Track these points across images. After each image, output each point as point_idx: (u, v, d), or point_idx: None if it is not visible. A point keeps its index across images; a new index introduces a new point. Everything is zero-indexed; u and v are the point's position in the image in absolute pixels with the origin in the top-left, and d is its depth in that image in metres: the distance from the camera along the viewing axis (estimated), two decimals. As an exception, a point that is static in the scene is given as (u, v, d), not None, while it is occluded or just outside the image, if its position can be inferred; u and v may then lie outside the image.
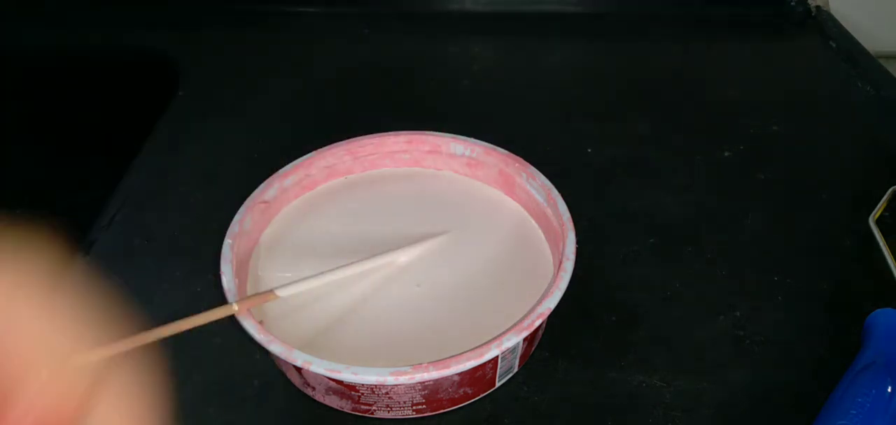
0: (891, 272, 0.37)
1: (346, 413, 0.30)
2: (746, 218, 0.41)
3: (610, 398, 0.31)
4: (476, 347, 0.28)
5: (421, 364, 0.27)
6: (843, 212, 0.42)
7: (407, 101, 0.53)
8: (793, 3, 0.64)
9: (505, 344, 0.28)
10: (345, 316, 0.32)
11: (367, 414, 0.30)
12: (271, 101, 0.53)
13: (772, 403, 0.31)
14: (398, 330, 0.31)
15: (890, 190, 0.42)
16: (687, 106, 0.53)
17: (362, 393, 0.29)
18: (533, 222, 0.37)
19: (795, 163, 0.46)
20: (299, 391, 0.31)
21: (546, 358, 0.33)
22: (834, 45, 0.60)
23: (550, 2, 0.65)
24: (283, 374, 0.32)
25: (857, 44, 0.58)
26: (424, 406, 0.29)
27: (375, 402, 0.29)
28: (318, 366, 0.27)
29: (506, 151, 0.38)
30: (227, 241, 0.32)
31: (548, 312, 0.29)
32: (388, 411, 0.30)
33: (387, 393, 0.28)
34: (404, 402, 0.29)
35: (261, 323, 0.29)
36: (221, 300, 0.30)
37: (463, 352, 0.27)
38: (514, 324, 0.29)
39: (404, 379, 0.27)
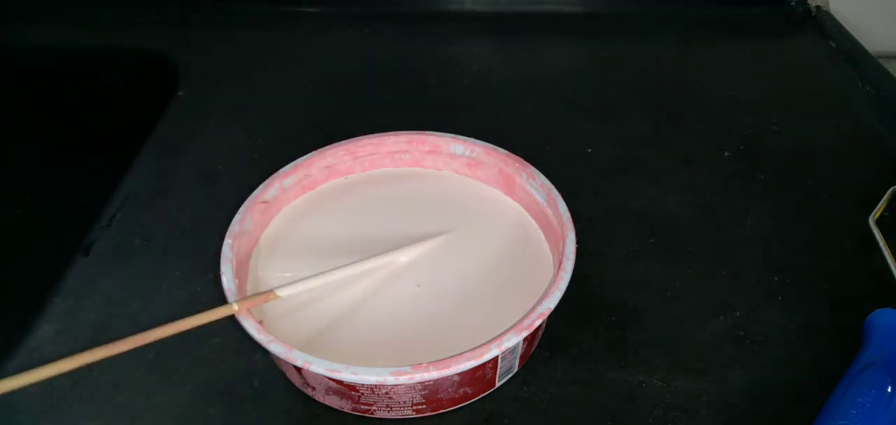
0: (891, 272, 0.37)
1: (346, 413, 0.30)
2: (746, 218, 0.41)
3: (610, 398, 0.31)
4: (476, 347, 0.28)
5: (421, 364, 0.27)
6: (843, 212, 0.42)
7: (407, 101, 0.53)
8: (793, 3, 0.64)
9: (505, 344, 0.28)
10: (345, 316, 0.32)
11: (367, 414, 0.30)
12: (271, 101, 0.53)
13: (772, 403, 0.31)
14: (398, 330, 0.31)
15: (890, 190, 0.42)
16: (687, 106, 0.53)
17: (362, 393, 0.29)
18: (533, 222, 0.37)
19: (795, 163, 0.46)
20: (299, 391, 0.31)
21: (546, 358, 0.33)
22: (834, 45, 0.60)
23: (550, 2, 0.65)
24: (283, 374, 0.32)
25: (857, 44, 0.58)
26: (424, 406, 0.29)
27: (375, 402, 0.29)
28: (318, 366, 0.27)
29: (506, 151, 0.38)
30: (227, 241, 0.32)
31: (548, 312, 0.29)
32: (388, 411, 0.30)
33: (387, 393, 0.28)
34: (404, 402, 0.29)
35: (261, 323, 0.29)
36: (221, 300, 0.30)
37: (463, 352, 0.27)
38: (514, 324, 0.29)
39: (404, 379, 0.27)
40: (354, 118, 0.50)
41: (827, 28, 0.62)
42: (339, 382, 0.28)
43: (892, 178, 0.43)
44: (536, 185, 0.36)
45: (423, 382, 0.28)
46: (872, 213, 0.40)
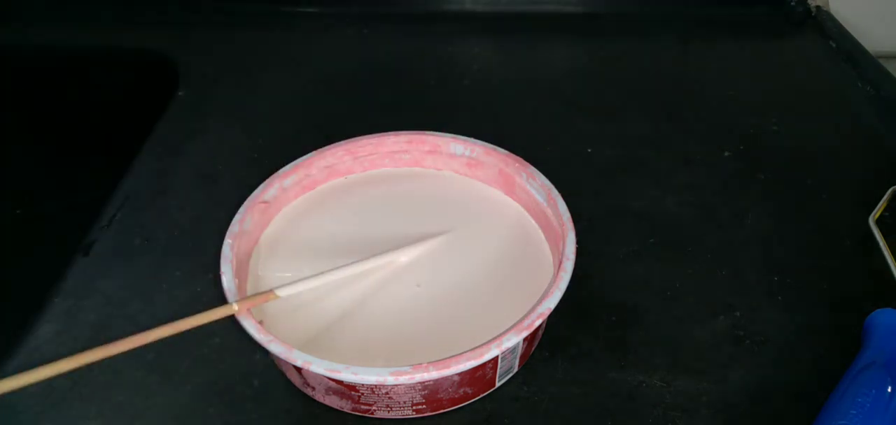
0: (891, 272, 0.37)
1: (346, 413, 0.30)
2: (746, 218, 0.41)
3: (610, 398, 0.31)
4: (476, 347, 0.28)
5: (421, 364, 0.27)
6: (843, 212, 0.42)
7: (407, 101, 0.53)
8: (793, 3, 0.64)
9: (505, 344, 0.28)
10: (345, 316, 0.32)
11: (367, 414, 0.30)
12: (271, 100, 0.53)
13: (772, 403, 0.31)
14: (398, 331, 0.31)
15: (890, 190, 0.42)
16: (687, 106, 0.53)
17: (362, 393, 0.29)
18: (533, 222, 0.37)
19: (795, 163, 0.46)
20: (299, 391, 0.31)
21: (546, 358, 0.33)
22: (834, 45, 0.60)
23: (550, 2, 0.65)
24: (283, 374, 0.32)
25: (857, 44, 0.58)
26: (424, 406, 0.29)
27: (375, 402, 0.29)
28: (318, 366, 0.27)
29: (506, 151, 0.38)
30: (227, 241, 0.32)
31: (548, 312, 0.29)
32: (388, 411, 0.30)
33: (387, 393, 0.28)
34: (404, 402, 0.29)
35: (261, 323, 0.29)
36: (221, 300, 0.30)
37: (463, 352, 0.27)
38: (514, 324, 0.29)
39: (404, 379, 0.27)
40: (354, 118, 0.50)
41: (827, 28, 0.62)
42: (339, 382, 0.28)
43: (892, 178, 0.43)
44: (536, 185, 0.36)
45: (423, 382, 0.28)
46: (872, 213, 0.40)
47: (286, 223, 0.37)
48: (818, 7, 0.64)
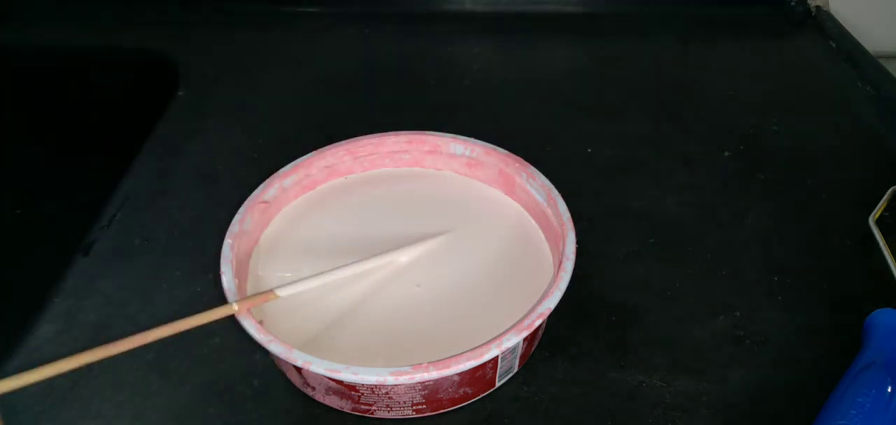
0: (891, 272, 0.37)
1: (346, 413, 0.30)
2: (746, 218, 0.41)
3: (610, 398, 0.31)
4: (476, 347, 0.28)
5: (421, 364, 0.27)
6: (843, 212, 0.42)
7: (407, 101, 0.53)
8: (793, 3, 0.64)
9: (505, 344, 0.28)
10: (345, 316, 0.32)
11: (367, 414, 0.30)
12: (271, 101, 0.53)
13: (772, 403, 0.31)
14: (398, 330, 0.31)
15: (890, 190, 0.42)
16: (687, 106, 0.53)
17: (362, 393, 0.29)
18: (533, 222, 0.37)
19: (795, 163, 0.46)
20: (299, 391, 0.31)
21: (546, 358, 0.33)
22: (834, 45, 0.60)
23: (550, 2, 0.65)
24: (283, 374, 0.32)
25: (857, 44, 0.58)
26: (424, 406, 0.29)
27: (375, 402, 0.29)
28: (318, 366, 0.27)
29: (506, 151, 0.38)
30: (227, 241, 0.32)
31: (548, 312, 0.29)
32: (388, 411, 0.30)
33: (387, 393, 0.28)
34: (404, 402, 0.29)
35: (261, 323, 0.29)
36: (221, 300, 0.30)
37: (463, 352, 0.27)
38: (514, 324, 0.29)
39: (404, 379, 0.27)
40: (354, 118, 0.50)
41: (827, 28, 0.62)
42: (339, 382, 0.28)
43: (892, 178, 0.43)
44: (536, 185, 0.36)
45: (423, 382, 0.28)
46: (872, 213, 0.40)
47: (286, 223, 0.37)
48: (818, 7, 0.64)
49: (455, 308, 0.32)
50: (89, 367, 0.31)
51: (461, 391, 0.30)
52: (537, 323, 0.29)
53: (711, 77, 0.57)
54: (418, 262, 0.34)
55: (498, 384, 0.31)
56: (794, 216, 0.42)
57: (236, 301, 0.29)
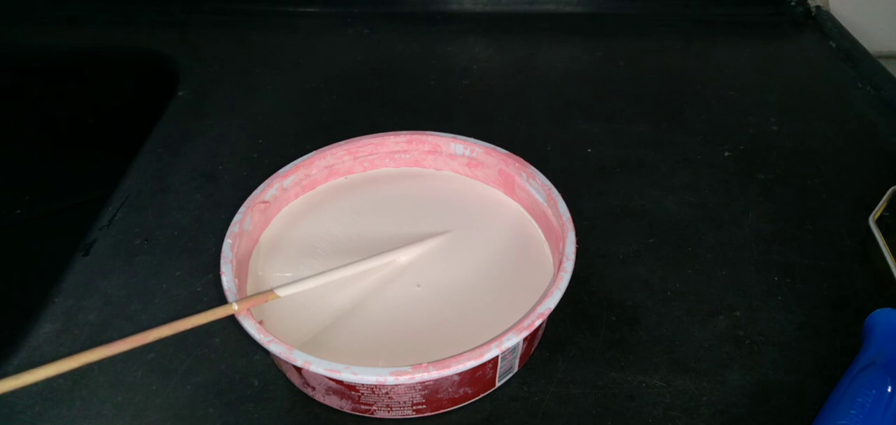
0: (891, 272, 0.37)
1: (346, 413, 0.30)
2: (746, 218, 0.41)
3: (610, 398, 0.31)
4: (476, 347, 0.28)
5: (421, 364, 0.27)
6: (843, 212, 0.42)
7: (407, 100, 0.53)
8: (793, 3, 0.64)
9: (505, 344, 0.28)
10: (345, 316, 0.32)
11: (367, 414, 0.30)
12: (271, 101, 0.53)
13: (772, 403, 0.31)
14: (398, 330, 0.31)
15: (890, 190, 0.42)
16: (687, 106, 0.53)
17: (362, 393, 0.29)
18: (533, 222, 0.37)
19: (795, 162, 0.46)
20: (299, 391, 0.31)
21: (546, 358, 0.33)
22: (834, 45, 0.60)
23: (550, 2, 0.65)
24: (283, 374, 0.32)
25: (857, 44, 0.59)
26: (424, 406, 0.29)
27: (375, 402, 0.29)
28: (318, 366, 0.27)
29: (506, 151, 0.38)
30: (227, 241, 0.32)
31: (548, 312, 0.29)
32: (388, 411, 0.30)
33: (387, 393, 0.28)
34: (404, 402, 0.29)
35: (261, 323, 0.29)
36: (221, 300, 0.30)
37: (463, 352, 0.27)
38: (514, 324, 0.29)
39: (404, 379, 0.27)
40: (354, 118, 0.51)
41: (827, 28, 0.62)
42: (339, 382, 0.28)
43: (892, 178, 0.43)
44: (536, 185, 0.36)
45: (423, 382, 0.28)
46: (872, 213, 0.41)
47: (286, 223, 0.37)
48: (818, 7, 0.64)
49: (455, 308, 0.32)
50: (89, 367, 0.32)
51: (461, 391, 0.30)
52: (537, 323, 0.29)
53: (711, 77, 0.57)
54: (418, 262, 0.34)
55: (498, 384, 0.31)
56: (794, 216, 0.42)
57: (236, 301, 0.29)
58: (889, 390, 0.28)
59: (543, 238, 0.36)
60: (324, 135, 0.40)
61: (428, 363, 0.27)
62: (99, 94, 0.63)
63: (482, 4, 0.64)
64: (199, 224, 0.40)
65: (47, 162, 0.65)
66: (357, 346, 0.31)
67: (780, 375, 0.32)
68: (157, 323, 0.27)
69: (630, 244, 0.39)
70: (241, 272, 0.33)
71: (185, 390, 0.31)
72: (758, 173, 0.45)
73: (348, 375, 0.27)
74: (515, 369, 0.32)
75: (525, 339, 0.29)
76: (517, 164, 0.37)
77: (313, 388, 0.30)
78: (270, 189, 0.36)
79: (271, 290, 0.31)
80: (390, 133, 0.40)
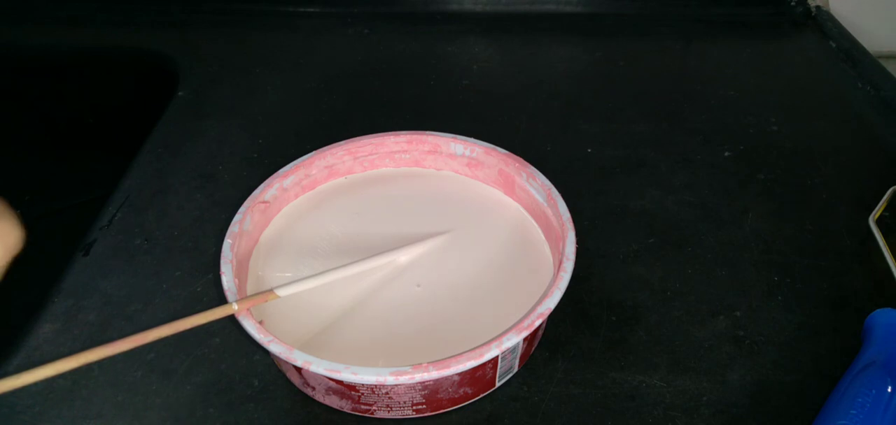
0: (891, 272, 0.37)
1: (346, 413, 0.30)
2: (746, 218, 0.41)
3: (610, 398, 0.31)
4: (476, 347, 0.28)
5: (421, 364, 0.27)
6: (843, 212, 0.42)
7: (407, 101, 0.53)
8: (793, 3, 0.64)
9: (505, 344, 0.28)
10: (345, 316, 0.32)
11: (367, 414, 0.30)
12: (271, 100, 0.53)
13: (772, 403, 0.31)
14: (398, 330, 0.31)
15: (890, 190, 0.42)
16: (687, 106, 0.53)
17: (362, 393, 0.29)
18: (533, 222, 0.37)
19: (795, 162, 0.46)
20: (299, 391, 0.31)
21: (546, 358, 0.33)
22: (834, 45, 0.60)
23: (550, 2, 0.65)
24: (283, 374, 0.32)
25: (857, 44, 0.59)
26: (424, 406, 0.29)
27: (375, 402, 0.29)
28: (318, 366, 0.27)
29: (506, 151, 0.38)
30: (227, 241, 0.32)
31: (548, 312, 0.29)
32: (388, 411, 0.30)
33: (387, 393, 0.28)
34: (404, 402, 0.29)
35: (261, 323, 0.29)
36: (221, 300, 0.30)
37: (463, 352, 0.27)
38: (514, 324, 0.29)
39: (404, 379, 0.27)
40: (354, 118, 0.51)
41: (827, 28, 0.62)
42: (339, 382, 0.28)
43: (892, 178, 0.43)
44: (536, 185, 0.36)
45: (423, 382, 0.28)
46: (872, 213, 0.41)
47: (286, 223, 0.37)
48: (818, 7, 0.64)
49: (455, 308, 0.32)
50: (89, 367, 0.32)
51: (461, 391, 0.30)
52: (537, 323, 0.29)
53: (711, 77, 0.57)
54: (418, 262, 0.34)
55: (498, 384, 0.31)
56: (794, 216, 0.42)
57: (236, 301, 0.29)
58: (889, 390, 0.28)
59: (543, 238, 0.36)
60: (324, 136, 0.40)
61: (428, 363, 0.27)
62: (99, 94, 0.63)
63: (482, 4, 0.64)
64: (199, 224, 0.40)
65: (47, 162, 0.65)
66: (357, 346, 0.31)
67: (780, 375, 0.32)
68: (157, 323, 0.27)
69: (630, 244, 0.39)
70: (241, 272, 0.33)
71: (185, 390, 0.31)
72: (758, 173, 0.45)
73: (348, 375, 0.27)
74: (515, 369, 0.32)
75: (525, 339, 0.29)
76: (517, 164, 0.37)
77: (313, 388, 0.30)
78: (270, 189, 0.36)
79: (271, 290, 0.31)
80: (390, 133, 0.40)
